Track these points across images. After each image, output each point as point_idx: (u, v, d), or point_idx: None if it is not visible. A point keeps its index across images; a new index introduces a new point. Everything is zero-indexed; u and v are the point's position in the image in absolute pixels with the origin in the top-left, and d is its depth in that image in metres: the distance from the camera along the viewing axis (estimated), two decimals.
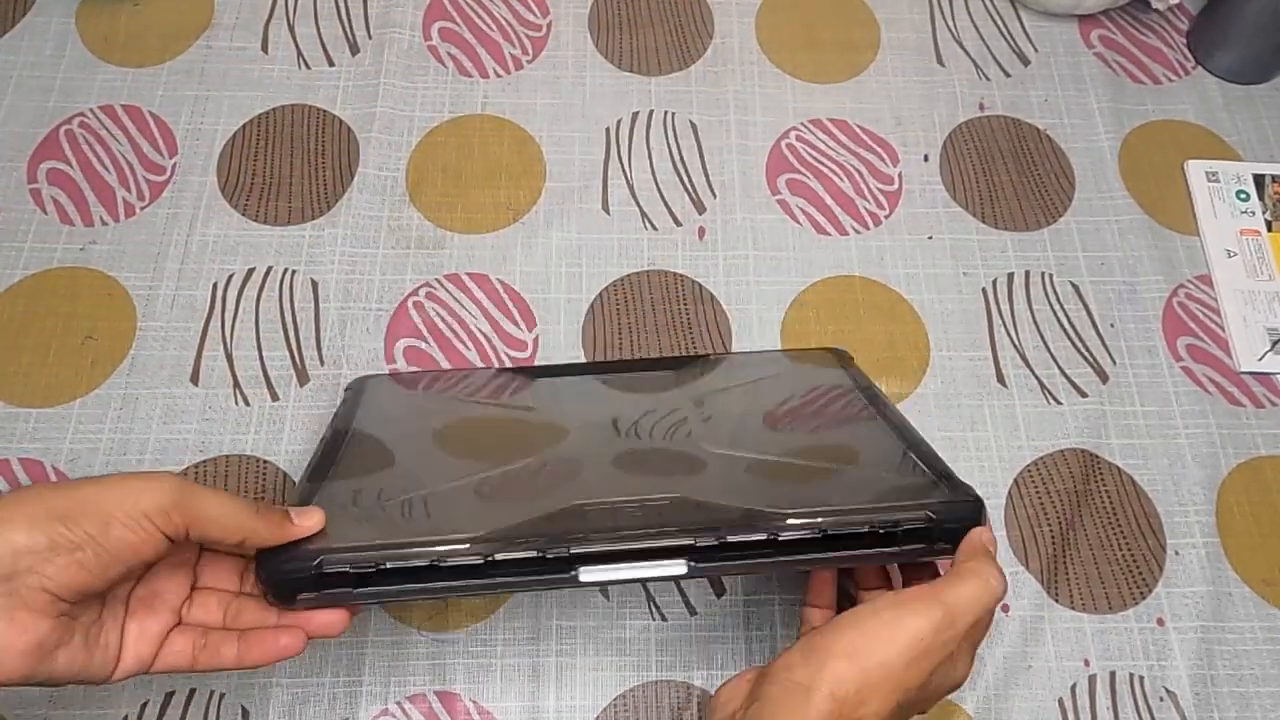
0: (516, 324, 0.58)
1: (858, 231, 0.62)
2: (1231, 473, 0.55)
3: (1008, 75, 0.68)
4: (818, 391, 0.51)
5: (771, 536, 0.37)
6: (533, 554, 0.36)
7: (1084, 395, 0.57)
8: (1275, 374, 0.58)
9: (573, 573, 0.36)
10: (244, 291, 0.57)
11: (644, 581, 0.39)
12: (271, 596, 0.38)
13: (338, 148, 0.62)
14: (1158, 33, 0.70)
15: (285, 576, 0.37)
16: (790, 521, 0.37)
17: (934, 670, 0.36)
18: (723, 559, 0.37)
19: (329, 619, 0.38)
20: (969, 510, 0.39)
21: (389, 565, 0.36)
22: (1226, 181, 0.64)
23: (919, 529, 0.38)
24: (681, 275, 0.60)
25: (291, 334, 0.56)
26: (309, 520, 0.38)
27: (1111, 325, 0.59)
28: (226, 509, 0.36)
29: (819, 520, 0.37)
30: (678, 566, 0.37)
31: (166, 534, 0.34)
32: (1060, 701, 0.49)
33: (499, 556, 0.36)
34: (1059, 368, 0.58)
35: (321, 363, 0.56)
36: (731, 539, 0.37)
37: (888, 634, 0.35)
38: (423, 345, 0.56)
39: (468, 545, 0.36)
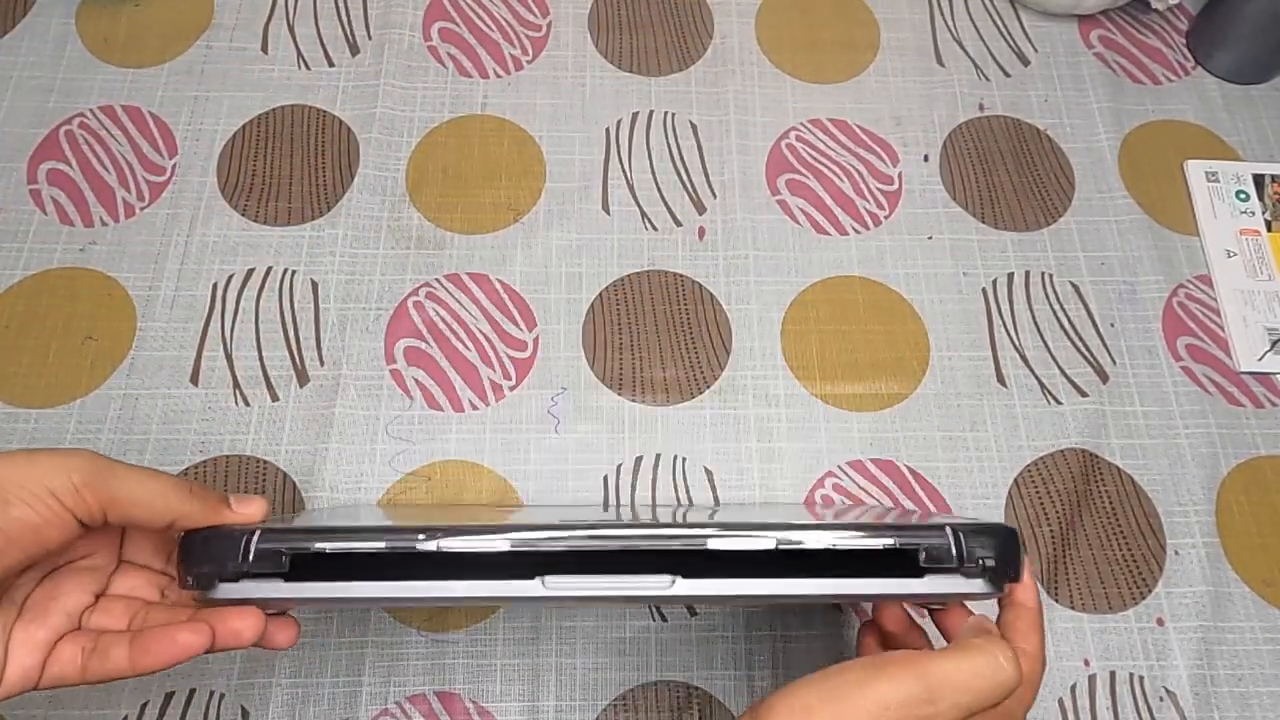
0: (516, 324, 0.58)
1: (858, 231, 0.62)
2: (1231, 472, 0.55)
3: (1007, 75, 0.68)
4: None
5: (770, 548, 0.32)
6: (494, 550, 0.31)
7: (1084, 395, 0.57)
8: (1275, 374, 0.58)
9: (537, 579, 0.32)
10: (244, 292, 0.57)
11: (618, 601, 0.33)
12: (189, 579, 0.33)
13: (338, 148, 0.62)
14: (1157, 33, 0.70)
15: (209, 554, 0.32)
16: (792, 535, 0.32)
17: None
18: (713, 575, 0.32)
19: (240, 625, 0.33)
20: (1001, 533, 0.33)
21: (328, 549, 0.32)
22: (1226, 181, 0.64)
23: (943, 549, 0.32)
24: (681, 275, 0.60)
25: (291, 334, 0.56)
26: (249, 508, 0.34)
27: (1111, 325, 0.59)
28: (151, 487, 0.32)
29: (828, 532, 0.32)
30: (660, 583, 0.31)
31: (77, 516, 0.31)
32: (1060, 701, 0.49)
33: (454, 547, 0.31)
34: (1059, 367, 0.58)
35: (321, 363, 0.56)
36: (723, 546, 0.32)
37: (849, 694, 0.30)
38: (423, 345, 0.56)
39: (421, 536, 0.32)
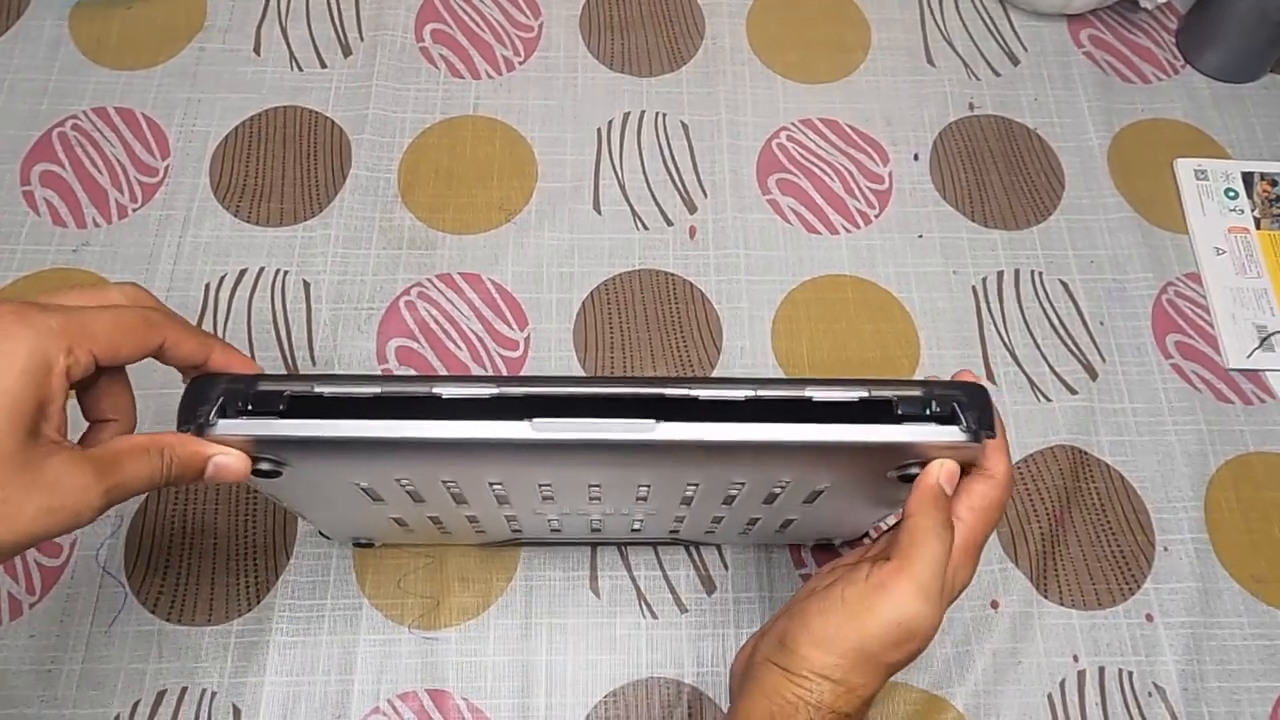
0: (508, 323, 0.58)
1: (848, 230, 0.62)
2: (1220, 469, 0.55)
3: (997, 75, 0.68)
4: None
5: (750, 396, 0.33)
6: (487, 394, 0.32)
7: (1073, 392, 0.57)
8: (1264, 371, 0.58)
9: (525, 421, 0.32)
10: (236, 292, 0.58)
11: (606, 444, 0.33)
12: (191, 415, 0.33)
13: (330, 149, 0.62)
14: (1147, 32, 0.70)
15: (214, 391, 0.33)
16: (770, 391, 0.33)
17: (917, 646, 0.35)
18: (697, 419, 0.33)
19: (228, 459, 0.34)
20: (971, 388, 0.34)
21: (326, 393, 0.33)
22: (1215, 179, 0.64)
23: (916, 399, 0.33)
24: (672, 274, 0.60)
25: (284, 334, 0.57)
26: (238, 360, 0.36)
27: (1101, 323, 0.59)
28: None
29: (805, 387, 0.33)
30: (644, 426, 0.32)
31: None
32: (1049, 697, 0.49)
33: (448, 393, 0.32)
34: (1048, 365, 0.58)
35: (314, 363, 0.56)
36: (706, 395, 0.33)
37: (859, 622, 0.34)
38: (414, 345, 0.57)
39: (413, 385, 0.33)
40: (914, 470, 0.35)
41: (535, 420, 0.32)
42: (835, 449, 0.34)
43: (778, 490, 0.39)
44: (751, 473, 0.37)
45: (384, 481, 0.38)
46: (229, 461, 0.34)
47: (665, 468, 0.37)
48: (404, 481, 0.37)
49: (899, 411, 0.33)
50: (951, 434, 0.33)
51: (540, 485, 0.38)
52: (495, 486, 0.38)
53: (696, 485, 0.39)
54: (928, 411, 0.33)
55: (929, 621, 0.34)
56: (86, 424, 0.37)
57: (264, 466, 0.34)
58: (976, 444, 0.34)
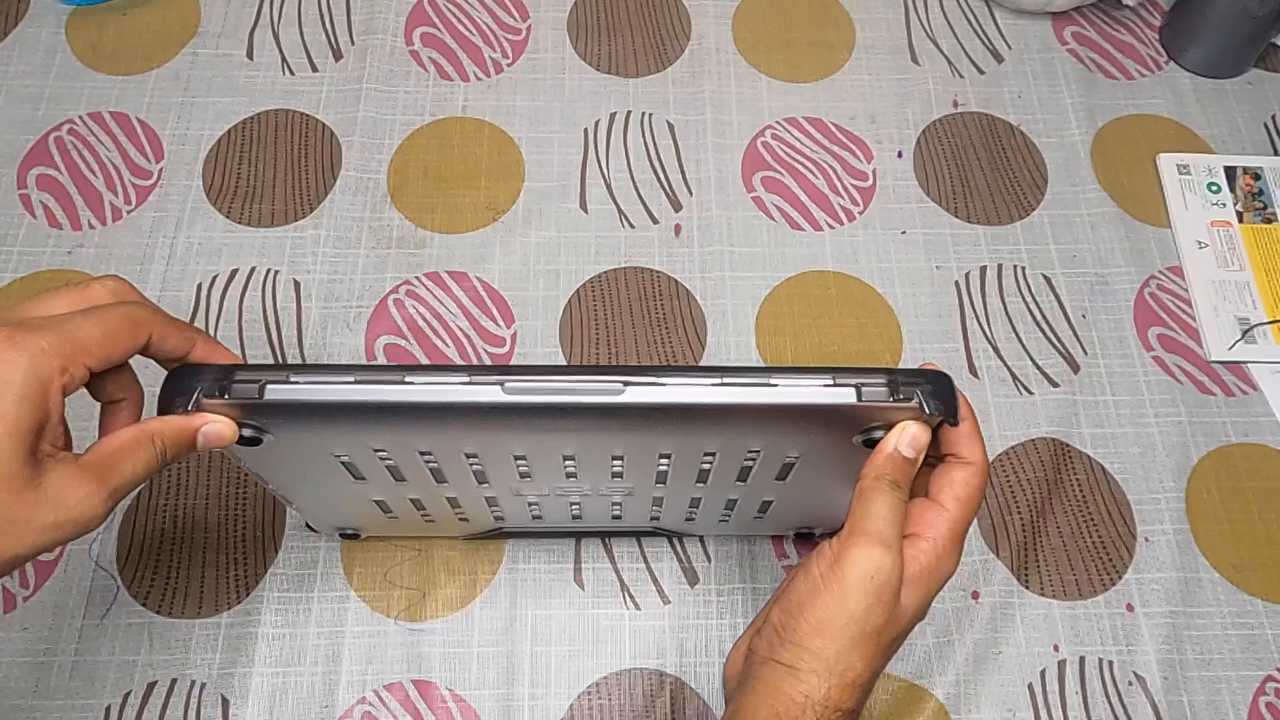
0: (495, 321, 0.59)
1: (832, 227, 0.62)
2: (1201, 461, 0.56)
3: (981, 72, 0.69)
4: None
5: (716, 384, 0.34)
6: (459, 382, 0.34)
7: (1055, 385, 0.58)
8: (1245, 363, 0.58)
9: (497, 385, 0.34)
10: (228, 292, 0.59)
11: (577, 408, 0.34)
12: (167, 403, 0.34)
13: (320, 151, 0.63)
14: (1130, 29, 0.71)
15: (196, 379, 0.34)
16: (737, 379, 0.34)
17: (895, 599, 0.35)
18: (661, 387, 0.34)
19: (216, 426, 0.35)
20: (933, 375, 0.35)
21: (301, 381, 0.34)
22: (1198, 174, 0.64)
23: (880, 385, 0.35)
24: (658, 272, 0.60)
25: (274, 333, 0.57)
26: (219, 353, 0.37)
27: (1083, 316, 0.60)
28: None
29: (770, 375, 0.35)
30: (613, 389, 0.34)
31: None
32: (1030, 687, 0.50)
33: (419, 380, 0.34)
34: (1030, 358, 0.58)
35: (304, 360, 0.57)
36: (671, 382, 0.34)
37: (838, 595, 0.35)
38: (402, 342, 0.57)
39: (387, 374, 0.34)
40: (879, 435, 0.36)
41: (507, 383, 0.34)
42: (797, 411, 0.35)
43: (749, 463, 0.40)
44: (720, 441, 0.38)
45: (362, 453, 0.38)
46: (218, 428, 0.35)
47: (636, 436, 0.38)
48: (382, 453, 0.38)
49: (860, 397, 0.34)
50: (902, 403, 0.35)
51: (516, 459, 0.39)
52: (472, 461, 0.39)
53: (669, 458, 0.39)
54: (893, 398, 0.34)
55: (893, 568, 0.35)
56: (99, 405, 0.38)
57: (247, 433, 0.36)
58: (935, 417, 0.35)
